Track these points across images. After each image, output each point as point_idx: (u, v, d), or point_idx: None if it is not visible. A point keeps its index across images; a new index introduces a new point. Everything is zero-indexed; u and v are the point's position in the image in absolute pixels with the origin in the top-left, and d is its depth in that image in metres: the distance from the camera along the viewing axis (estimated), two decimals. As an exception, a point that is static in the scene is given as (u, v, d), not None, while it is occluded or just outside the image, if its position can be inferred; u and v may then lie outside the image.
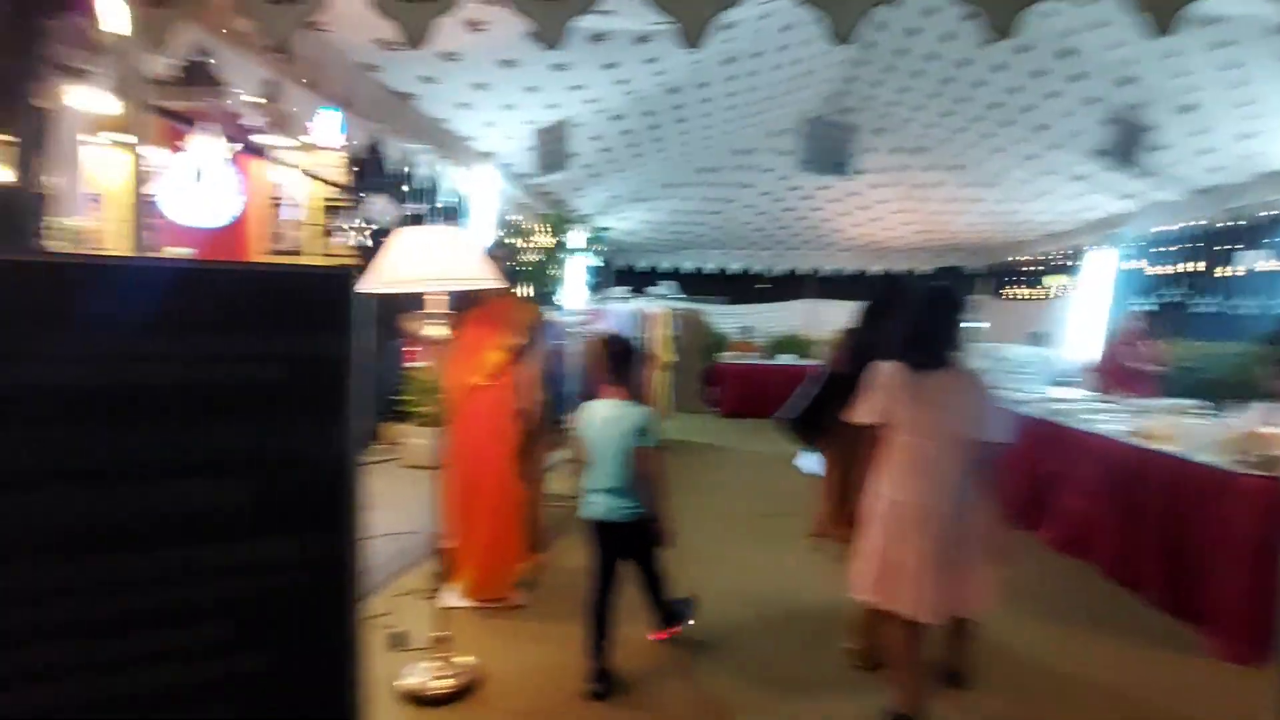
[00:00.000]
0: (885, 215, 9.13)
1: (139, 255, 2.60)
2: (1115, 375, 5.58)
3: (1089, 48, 4.43)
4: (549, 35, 1.99)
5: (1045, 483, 4.29)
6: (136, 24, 2.35)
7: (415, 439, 5.83)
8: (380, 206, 3.90)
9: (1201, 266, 6.99)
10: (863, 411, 2.37)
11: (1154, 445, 3.33)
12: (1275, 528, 2.64)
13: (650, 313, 6.64)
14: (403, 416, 6.08)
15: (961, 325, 2.40)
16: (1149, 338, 5.77)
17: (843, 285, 11.85)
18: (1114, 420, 3.96)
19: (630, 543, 2.74)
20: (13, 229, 2.92)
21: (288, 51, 2.65)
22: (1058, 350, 8.18)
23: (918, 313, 2.41)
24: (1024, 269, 10.34)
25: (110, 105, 4.58)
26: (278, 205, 7.85)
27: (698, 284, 11.71)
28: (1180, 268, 7.05)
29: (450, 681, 2.48)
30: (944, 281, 3.68)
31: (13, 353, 1.38)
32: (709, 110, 5.92)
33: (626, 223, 9.24)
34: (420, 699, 2.42)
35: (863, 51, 5.90)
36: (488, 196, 5.05)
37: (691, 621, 3.06)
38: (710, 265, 11.18)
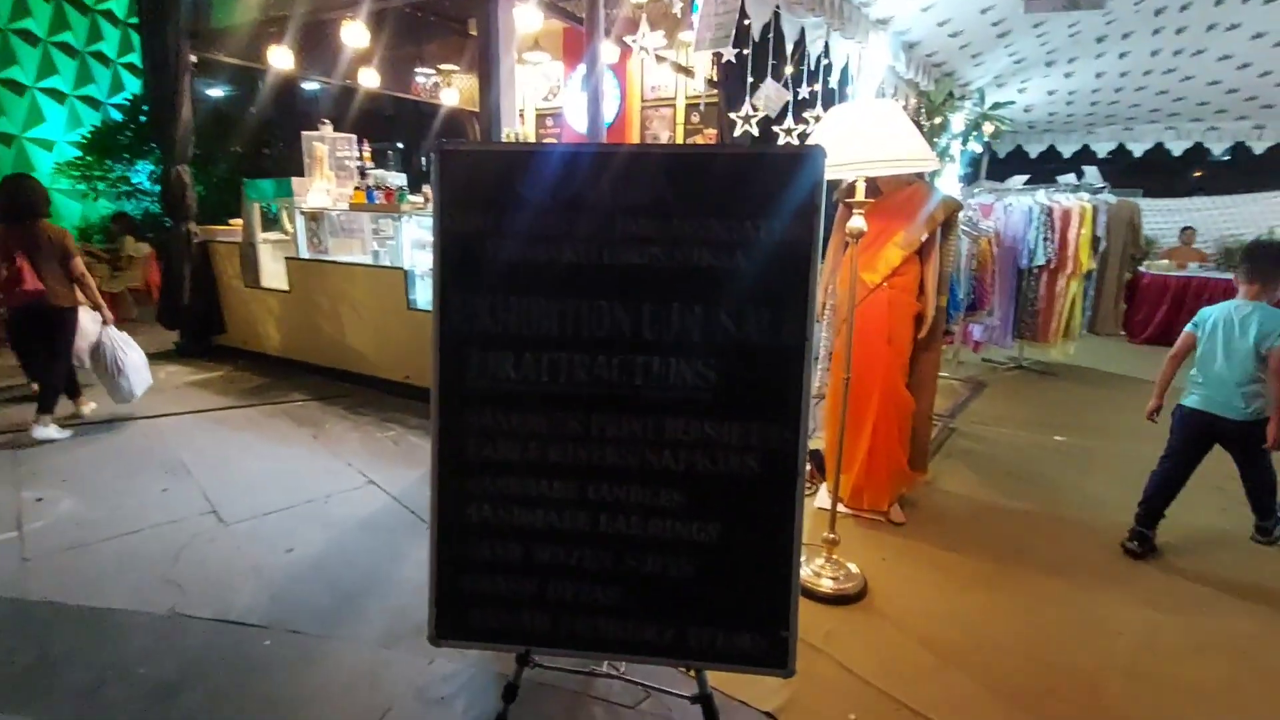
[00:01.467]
0: None
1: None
2: None
3: None
4: None
5: None
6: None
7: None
8: (768, 93, 3.73)
9: None
10: None
11: None
12: None
13: (1066, 207, 5.37)
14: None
15: None
16: None
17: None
18: None
19: (1239, 442, 2.85)
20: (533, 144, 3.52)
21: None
22: None
23: None
24: None
25: (537, 21, 5.20)
26: (650, 104, 8.37)
27: (1118, 171, 9.25)
28: None
29: (842, 583, 2.46)
30: None
31: (547, 233, 1.60)
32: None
33: (1026, 95, 7.57)
34: (811, 593, 2.45)
35: None
36: (876, 74, 4.50)
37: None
38: (1140, 145, 8.65)
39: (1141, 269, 7.80)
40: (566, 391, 1.62)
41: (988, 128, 6.01)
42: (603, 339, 1.60)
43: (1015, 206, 5.39)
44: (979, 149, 6.52)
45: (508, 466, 1.66)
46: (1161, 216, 8.78)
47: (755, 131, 3.83)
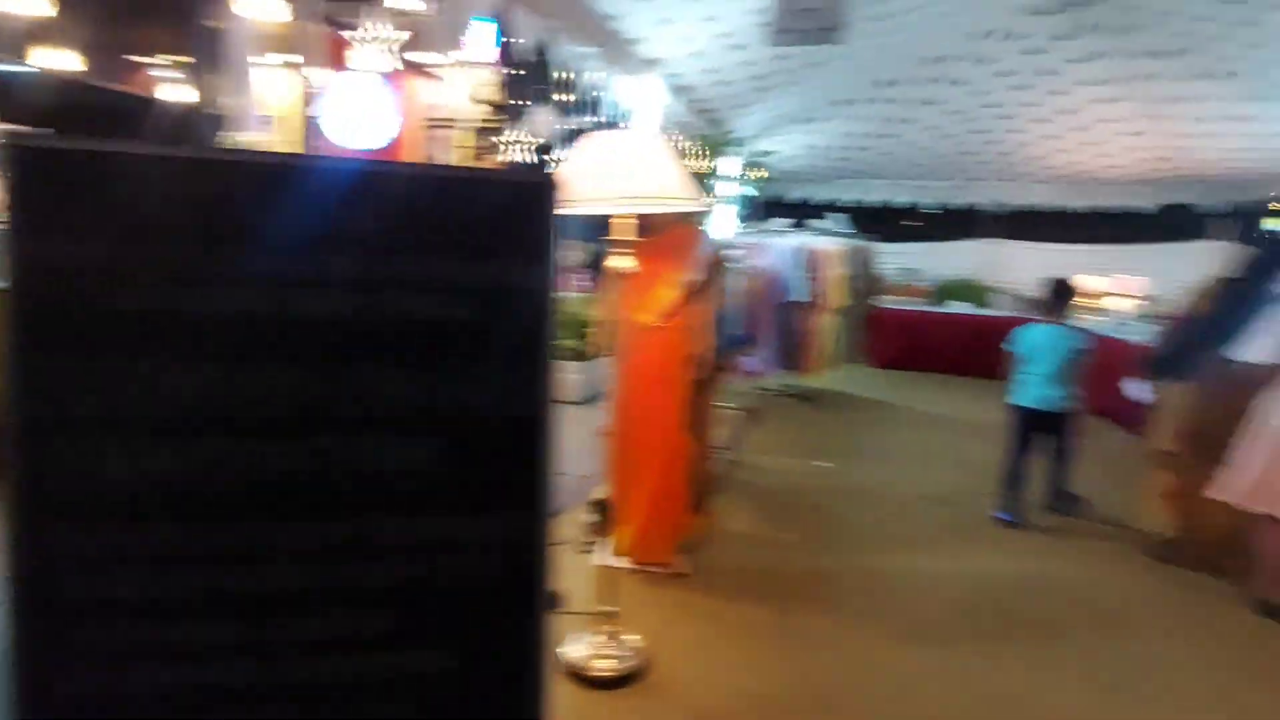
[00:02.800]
0: (1108, 139, 7.59)
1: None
2: None
3: None
4: None
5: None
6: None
7: (563, 374, 5.69)
8: (542, 119, 3.52)
9: None
10: (1271, 351, 2.95)
11: None
12: None
13: (822, 249, 5.89)
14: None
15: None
16: None
17: (1030, 223, 10.26)
18: None
19: (1056, 429, 3.78)
20: (190, 146, 2.86)
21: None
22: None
23: None
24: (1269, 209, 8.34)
25: (280, 14, 4.50)
26: (433, 126, 7.79)
27: (856, 218, 10.66)
28: None
29: (619, 663, 2.21)
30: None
31: (194, 273, 1.13)
32: (912, 4, 4.94)
33: (787, 146, 8.38)
34: (585, 678, 2.16)
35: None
36: (652, 111, 4.54)
37: (1077, 511, 3.85)
38: (873, 197, 10.05)
39: (880, 303, 8.97)
40: (221, 492, 1.15)
41: (756, 173, 6.44)
42: (277, 417, 1.16)
43: (780, 246, 5.80)
44: (752, 192, 6.99)
45: (132, 608, 1.14)
46: (890, 259, 10.25)
47: (531, 158, 3.59)
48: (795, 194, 10.25)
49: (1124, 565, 3.39)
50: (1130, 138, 7.38)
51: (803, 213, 8.26)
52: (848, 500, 4.06)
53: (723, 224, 7.11)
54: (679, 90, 5.23)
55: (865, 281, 6.45)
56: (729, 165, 6.86)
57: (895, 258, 10.24)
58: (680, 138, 5.55)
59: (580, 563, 2.53)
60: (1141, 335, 5.86)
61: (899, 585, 3.06)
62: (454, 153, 8.12)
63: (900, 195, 10.00)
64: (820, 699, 2.21)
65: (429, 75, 6.29)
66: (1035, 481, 3.90)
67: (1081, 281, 8.33)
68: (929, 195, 9.95)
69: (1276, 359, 2.91)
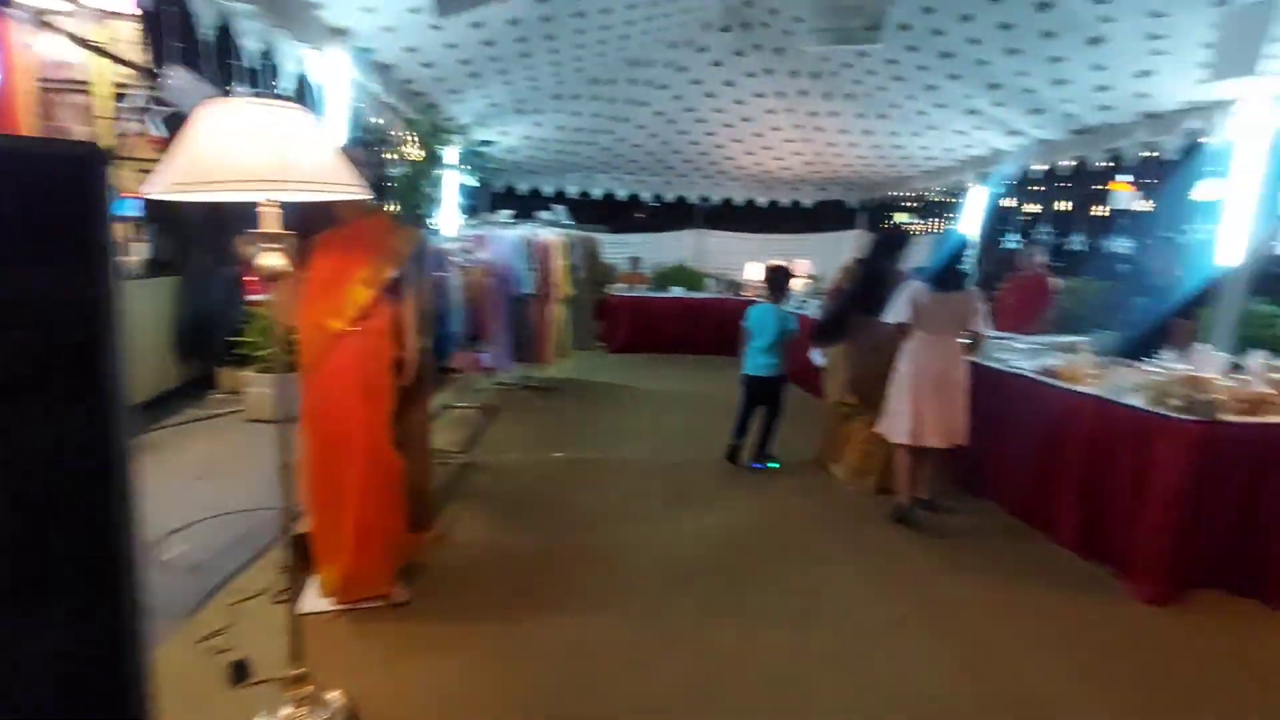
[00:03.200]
0: (778, 144, 8.83)
1: None
2: (1013, 310, 5.73)
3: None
4: None
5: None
6: None
7: (259, 388, 4.88)
8: (181, 83, 2.87)
9: (1069, 206, 7.34)
10: (896, 314, 3.64)
11: (1074, 386, 3.29)
12: (1209, 471, 2.64)
13: (545, 241, 5.90)
14: (244, 361, 5.06)
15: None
16: (1046, 272, 5.97)
17: (731, 216, 11.66)
18: (1019, 358, 3.95)
19: (770, 393, 4.54)
20: None
21: None
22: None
23: (943, 255, 3.69)
24: (900, 204, 10.57)
25: None
26: (54, 88, 6.11)
27: (583, 210, 11.03)
28: (1053, 206, 7.35)
29: (317, 727, 1.90)
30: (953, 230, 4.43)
31: None
32: (608, 6, 5.13)
33: (509, 138, 8.26)
34: (276, 756, 1.82)
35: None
36: (341, 90, 4.04)
37: (778, 466, 4.58)
38: (597, 190, 10.47)
39: (611, 291, 9.41)
40: None
41: (478, 163, 6.20)
42: None
43: (505, 239, 5.67)
44: (474, 183, 6.71)
45: None
46: (617, 249, 10.84)
47: (159, 131, 2.92)
48: (524, 185, 10.24)
49: (810, 502, 4.01)
50: (793, 144, 8.70)
51: (531, 205, 8.24)
52: (584, 486, 4.14)
53: (447, 216, 6.75)
54: (377, 68, 4.76)
55: (592, 271, 6.65)
56: (449, 154, 6.50)
57: (623, 248, 10.88)
58: (383, 120, 5.08)
59: (277, 616, 2.13)
60: (811, 310, 6.98)
61: (631, 563, 3.17)
62: (91, 123, 6.50)
63: (622, 189, 10.54)
64: (551, 708, 2.16)
65: (45, 24, 4.89)
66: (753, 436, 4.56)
67: (797, 267, 9.72)
68: (648, 189, 10.65)
69: (898, 320, 3.63)
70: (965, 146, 7.55)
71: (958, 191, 8.73)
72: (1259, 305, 6.00)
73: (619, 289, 9.52)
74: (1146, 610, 2.77)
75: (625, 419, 5.85)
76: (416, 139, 5.44)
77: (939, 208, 9.59)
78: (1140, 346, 3.96)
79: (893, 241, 4.44)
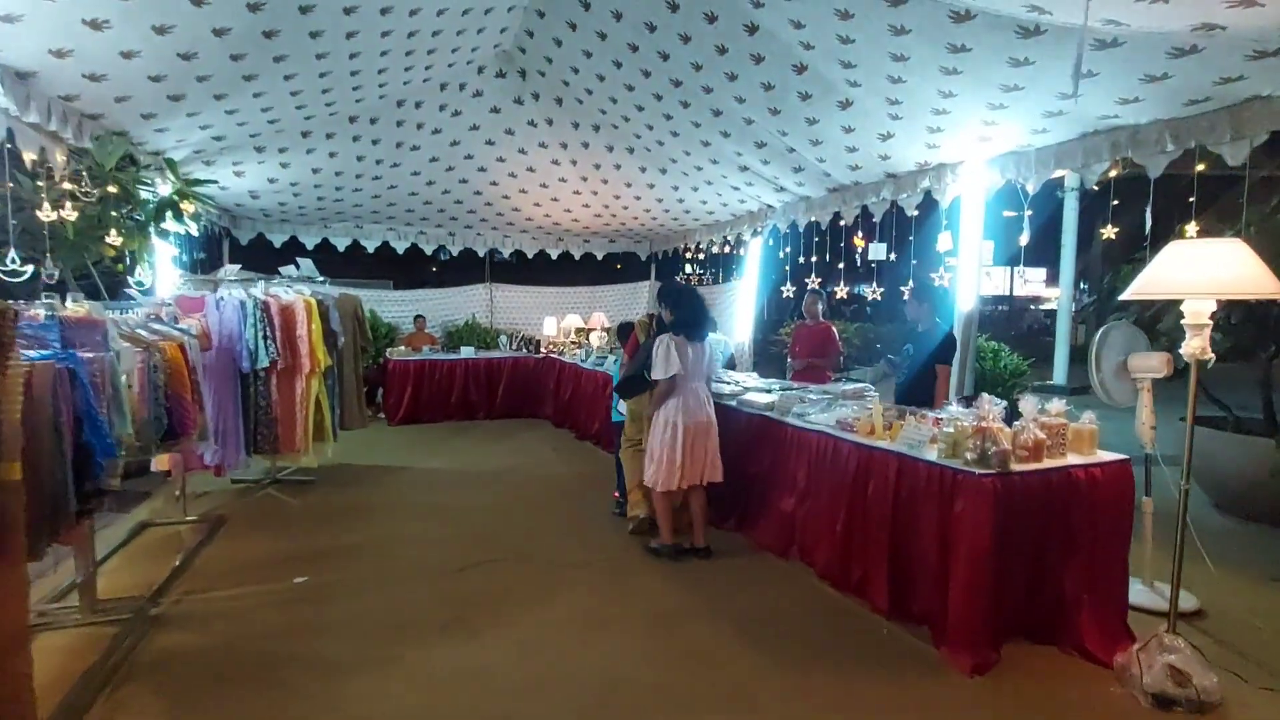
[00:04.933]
0: (566, 196, 8.61)
1: None
2: (806, 357, 5.87)
3: (771, 24, 4.28)
4: None
5: (755, 481, 4.08)
6: None
7: None
8: None
9: (828, 256, 7.95)
10: (670, 368, 3.79)
11: (873, 442, 3.21)
12: (1008, 524, 2.58)
13: (285, 302, 4.83)
14: None
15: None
16: (828, 318, 6.23)
17: (527, 268, 11.19)
18: (816, 410, 3.88)
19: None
20: None
21: None
22: (727, 335, 8.71)
23: (691, 303, 4.07)
24: (686, 256, 10.93)
25: None
26: None
27: (356, 264, 9.86)
28: (813, 257, 7.92)
29: None
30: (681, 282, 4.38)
31: None
32: (354, 28, 4.42)
33: (245, 180, 7.01)
34: None
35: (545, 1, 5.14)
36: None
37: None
38: (370, 242, 9.40)
39: (389, 355, 8.33)
40: None
41: (188, 207, 4.97)
42: None
43: (227, 302, 4.54)
44: (185, 230, 5.41)
45: None
46: (400, 306, 9.78)
47: None
48: (279, 236, 8.86)
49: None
50: (580, 196, 8.55)
51: (277, 259, 7.01)
52: (331, 629, 3.09)
53: (160, 273, 5.37)
54: (20, 77, 3.54)
55: (357, 335, 5.67)
56: (154, 193, 5.19)
57: (410, 305, 9.84)
58: (29, 142, 3.79)
59: None
60: (608, 365, 6.65)
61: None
62: None
63: (400, 240, 9.58)
64: None
65: None
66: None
67: (593, 321, 9.39)
68: (430, 241, 9.81)
69: (673, 373, 3.78)
70: (740, 201, 7.89)
71: (738, 244, 9.15)
72: (980, 342, 6.86)
73: (399, 352, 8.49)
74: (970, 684, 2.62)
75: (399, 514, 4.88)
76: (89, 176, 4.18)
77: (724, 259, 9.99)
78: (910, 392, 4.11)
79: (671, 294, 4.34)
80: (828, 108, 5.00)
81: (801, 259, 8.15)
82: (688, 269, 12.26)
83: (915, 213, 6.23)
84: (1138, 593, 3.15)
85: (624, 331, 4.96)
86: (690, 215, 8.91)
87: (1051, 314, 17.60)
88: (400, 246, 9.59)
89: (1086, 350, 3.50)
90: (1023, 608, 2.74)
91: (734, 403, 4.44)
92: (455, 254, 10.33)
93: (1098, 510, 2.80)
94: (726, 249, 9.36)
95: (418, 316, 9.45)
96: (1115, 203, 5.53)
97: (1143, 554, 3.22)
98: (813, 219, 7.16)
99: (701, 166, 7.09)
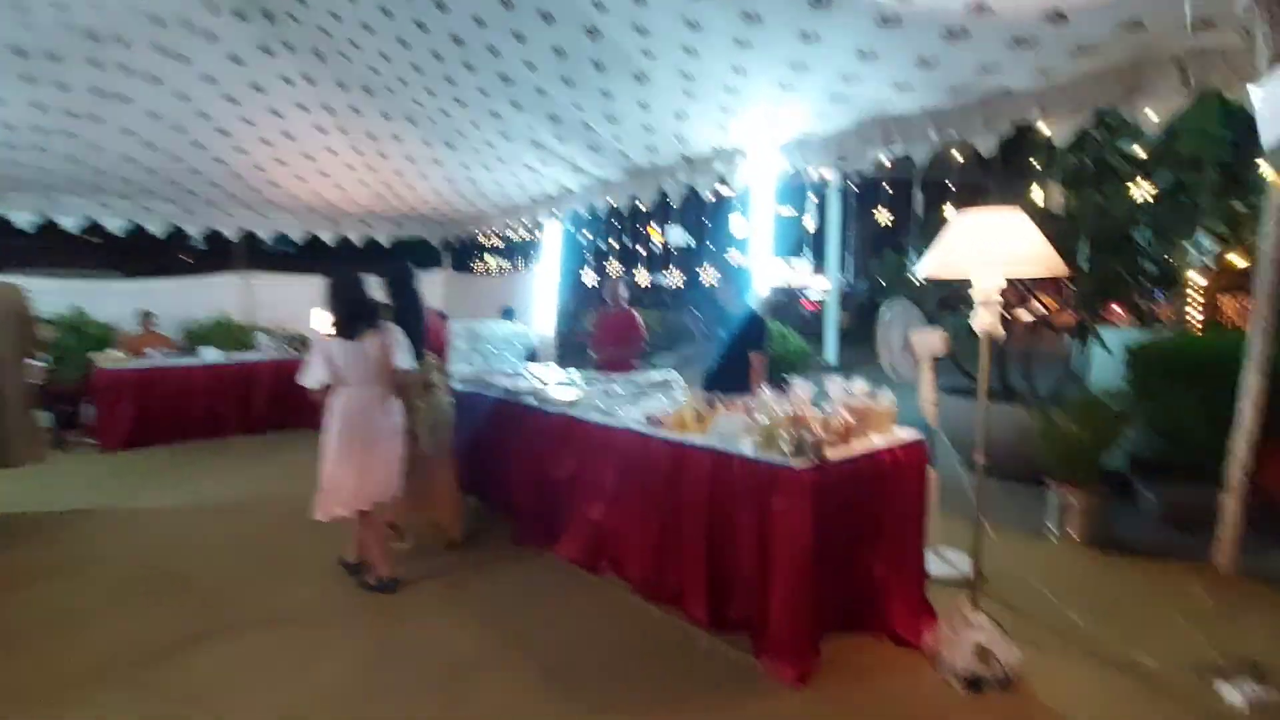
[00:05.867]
0: (337, 170, 7.44)
1: None
2: (610, 347, 5.54)
3: (561, -22, 3.84)
4: None
5: (559, 489, 3.64)
6: None
7: None
8: None
9: (629, 241, 7.80)
10: (314, 378, 3.26)
11: (684, 437, 2.92)
12: (825, 517, 2.41)
13: None
14: None
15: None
16: (631, 306, 5.94)
17: (292, 255, 9.62)
18: (623, 405, 3.54)
19: None
20: None
21: None
22: (528, 325, 8.19)
23: (340, 294, 3.33)
24: (487, 242, 10.20)
25: None
26: None
27: (94, 252, 7.70)
28: (614, 242, 7.72)
29: None
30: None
31: None
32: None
33: None
34: None
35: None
36: None
37: None
38: (68, 219, 7.37)
39: (104, 363, 6.55)
40: None
41: None
42: None
43: None
44: None
45: None
46: (125, 300, 7.78)
47: None
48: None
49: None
50: (355, 171, 7.44)
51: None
52: None
53: None
54: None
55: (17, 340, 4.20)
56: None
57: (124, 299, 7.85)
58: None
59: None
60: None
61: None
62: None
63: (113, 217, 7.63)
64: None
65: None
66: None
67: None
68: (157, 220, 7.94)
69: (317, 383, 3.25)
70: (536, 182, 7.39)
71: (537, 229, 8.65)
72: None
73: (113, 358, 6.73)
74: (795, 696, 2.42)
75: (89, 578, 3.59)
76: None
77: (525, 247, 9.42)
78: (719, 379, 3.95)
79: (399, 279, 3.82)
80: (622, 80, 4.70)
81: (602, 245, 7.93)
82: (486, 257, 11.51)
83: (713, 199, 6.23)
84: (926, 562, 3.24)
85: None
86: (485, 197, 8.21)
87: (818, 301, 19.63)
88: (114, 225, 7.66)
89: (855, 332, 3.57)
90: (837, 599, 2.63)
91: (533, 401, 3.96)
92: (196, 236, 8.54)
93: (900, 491, 2.78)
94: (526, 235, 8.82)
95: (145, 314, 7.61)
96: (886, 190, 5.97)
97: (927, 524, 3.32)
98: (612, 202, 6.90)
99: (493, 142, 6.46)
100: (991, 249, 2.35)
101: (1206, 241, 3.75)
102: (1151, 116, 3.45)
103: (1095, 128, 4.70)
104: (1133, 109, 3.51)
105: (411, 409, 3.52)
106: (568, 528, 3.52)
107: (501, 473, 4.11)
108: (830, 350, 13.27)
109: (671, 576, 2.91)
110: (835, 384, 2.80)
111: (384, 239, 9.44)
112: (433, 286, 9.84)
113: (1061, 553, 3.87)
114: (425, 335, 3.77)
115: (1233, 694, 2.35)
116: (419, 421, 3.57)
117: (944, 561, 3.37)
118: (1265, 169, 3.27)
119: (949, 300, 5.40)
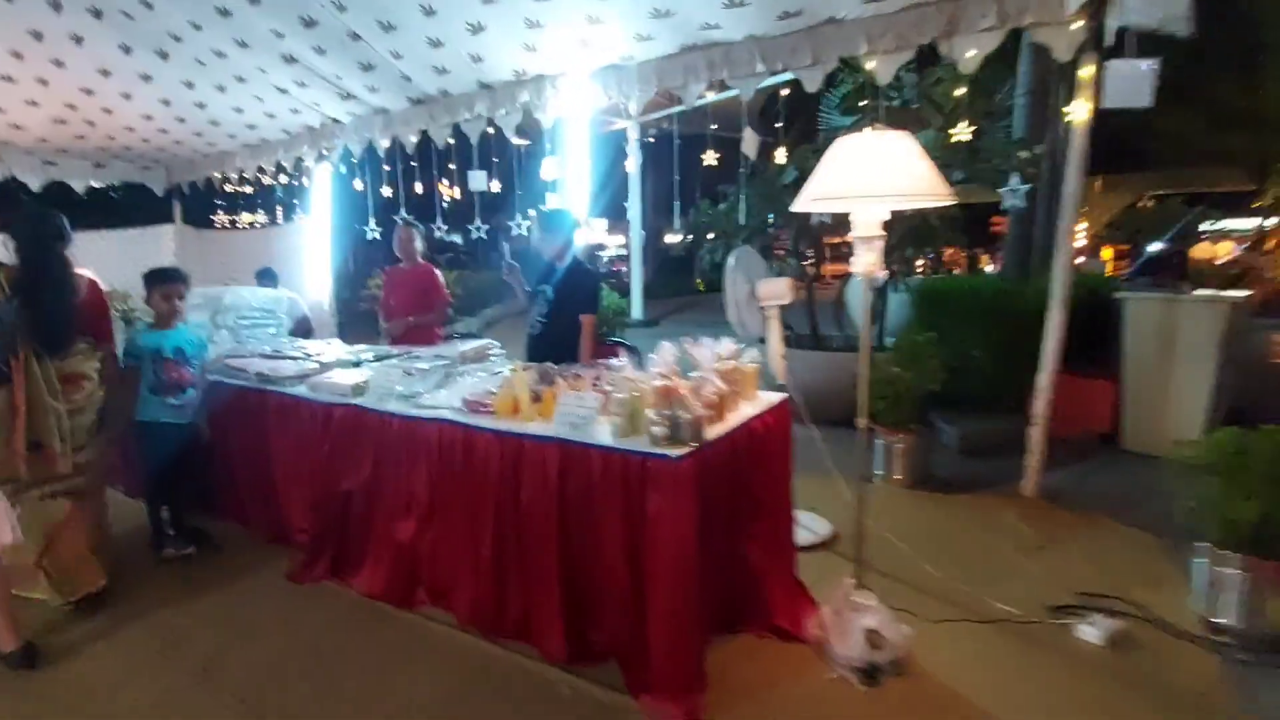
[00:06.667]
0: (8, 101, 5.32)
1: None
2: (402, 311, 4.56)
3: None
4: None
5: (349, 505, 2.78)
6: None
7: None
8: None
9: (419, 189, 6.68)
10: None
11: (518, 426, 2.24)
12: (705, 518, 1.92)
13: None
14: None
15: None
16: (427, 259, 4.94)
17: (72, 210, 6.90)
18: (430, 387, 2.75)
19: None
20: None
21: None
22: (296, 291, 6.73)
23: None
24: (234, 189, 8.29)
25: None
26: None
27: None
28: (413, 188, 6.57)
29: None
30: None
31: None
32: None
33: None
34: None
35: None
36: None
37: None
38: None
39: None
40: None
41: None
42: None
43: None
44: None
45: None
46: None
47: None
48: None
49: None
50: (18, 86, 5.35)
51: None
52: None
53: None
54: None
55: None
56: None
57: None
58: None
59: None
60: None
61: None
62: None
63: None
64: None
65: None
66: None
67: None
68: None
69: None
70: (293, 112, 5.95)
71: (300, 173, 7.12)
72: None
73: None
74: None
75: None
76: None
77: (285, 194, 7.78)
78: (547, 345, 3.30)
79: (37, 237, 2.76)
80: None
81: (387, 192, 6.71)
82: (235, 209, 9.41)
83: (521, 142, 5.44)
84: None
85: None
86: (221, 129, 6.49)
87: (616, 258, 19.53)
88: None
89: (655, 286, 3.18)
90: (716, 602, 2.21)
91: (305, 389, 3.00)
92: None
93: (771, 463, 2.43)
94: (284, 179, 7.22)
95: None
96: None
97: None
98: (395, 139, 5.76)
99: (225, 52, 4.95)
100: (875, 179, 2.00)
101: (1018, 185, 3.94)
102: (966, 56, 3.43)
103: (910, 68, 4.73)
104: (951, 47, 3.46)
105: (37, 413, 2.46)
106: (367, 554, 2.69)
107: (263, 489, 3.12)
108: (636, 306, 13.14)
109: (514, 604, 2.27)
110: (705, 347, 2.32)
111: (77, 184, 7.16)
112: (158, 245, 7.77)
113: (894, 497, 3.91)
114: (74, 315, 2.68)
115: (1092, 632, 2.37)
116: (47, 430, 2.49)
117: (801, 527, 3.15)
118: (1070, 112, 3.40)
119: (772, 247, 5.27)
